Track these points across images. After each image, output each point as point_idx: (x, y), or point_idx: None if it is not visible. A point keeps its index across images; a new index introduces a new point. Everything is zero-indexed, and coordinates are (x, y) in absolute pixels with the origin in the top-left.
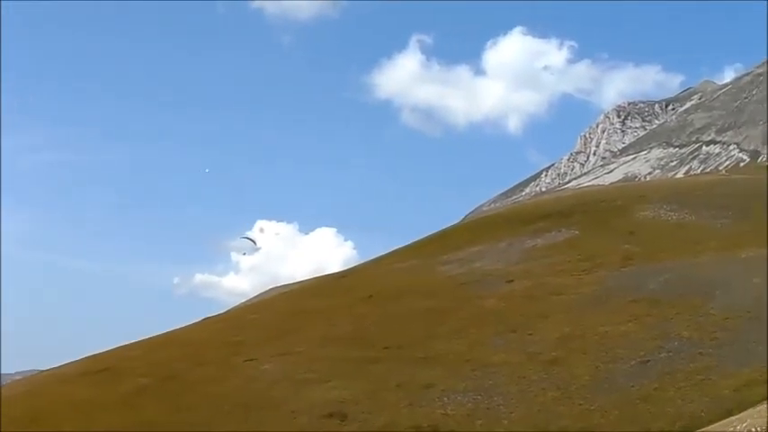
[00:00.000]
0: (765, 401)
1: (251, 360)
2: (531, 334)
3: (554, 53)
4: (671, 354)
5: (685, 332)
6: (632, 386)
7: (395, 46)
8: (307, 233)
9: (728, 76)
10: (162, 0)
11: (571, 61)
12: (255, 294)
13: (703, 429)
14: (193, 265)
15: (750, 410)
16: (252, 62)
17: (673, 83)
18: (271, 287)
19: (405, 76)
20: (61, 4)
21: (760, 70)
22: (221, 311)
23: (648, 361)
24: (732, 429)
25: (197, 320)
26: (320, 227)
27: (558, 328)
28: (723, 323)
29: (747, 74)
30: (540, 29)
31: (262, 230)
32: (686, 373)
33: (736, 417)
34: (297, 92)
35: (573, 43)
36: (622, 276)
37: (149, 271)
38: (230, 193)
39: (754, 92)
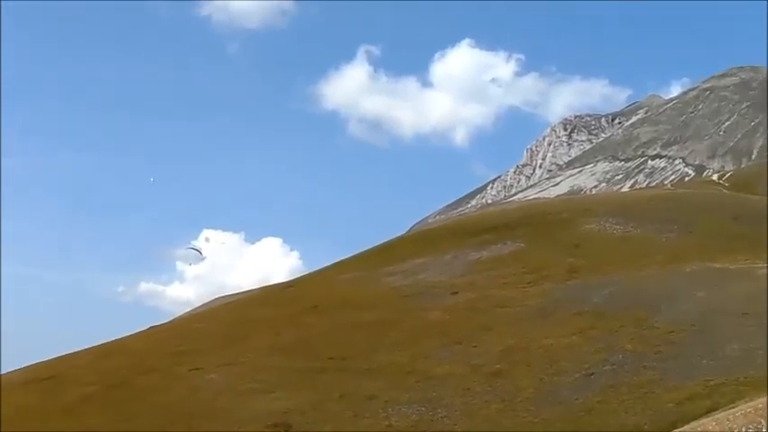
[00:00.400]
0: (713, 414)
1: (196, 369)
2: (475, 346)
3: (502, 66)
4: (615, 367)
5: (629, 345)
6: (576, 399)
7: (343, 56)
8: (253, 243)
9: (675, 90)
10: (106, 1)
11: (519, 74)
12: (201, 304)
13: None
14: (138, 274)
15: (693, 423)
16: (198, 70)
17: (620, 97)
18: (216, 297)
19: (352, 87)
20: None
21: (706, 85)
22: (166, 320)
23: (593, 374)
24: None
25: (142, 329)
26: (266, 237)
27: (502, 341)
28: (667, 337)
29: (693, 89)
30: (488, 41)
31: (207, 240)
32: (630, 386)
33: (680, 430)
34: (243, 101)
35: (521, 56)
36: (567, 289)
37: (93, 279)
38: (175, 201)
39: (699, 107)
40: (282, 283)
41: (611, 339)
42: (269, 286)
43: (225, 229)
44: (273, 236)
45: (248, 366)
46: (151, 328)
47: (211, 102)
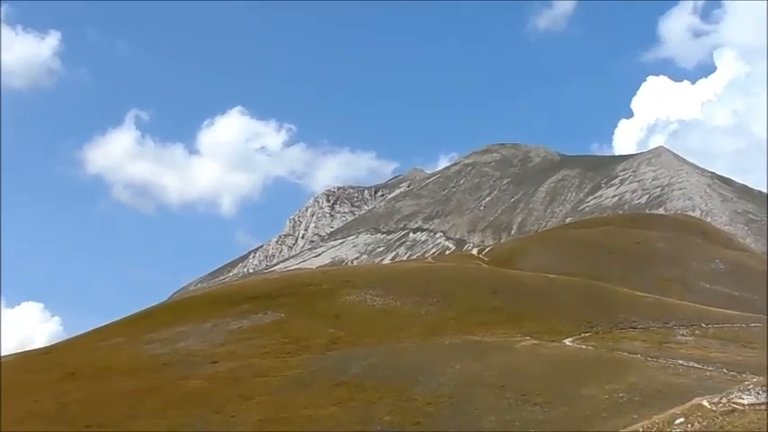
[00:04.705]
0: None
1: None
2: (233, 416)
3: (272, 135)
4: None
5: (388, 417)
6: None
7: (110, 120)
8: (12, 307)
9: (443, 165)
10: None
11: (287, 144)
12: None
13: None
14: None
15: None
16: None
17: (386, 170)
18: None
19: (118, 152)
20: None
21: (468, 161)
22: None
23: None
24: None
25: None
26: (26, 301)
27: (261, 411)
28: (425, 409)
29: (456, 163)
30: (259, 110)
31: None
32: None
33: None
34: (2, 162)
35: (292, 126)
36: (327, 359)
37: None
38: None
39: (461, 182)
40: (41, 348)
41: (369, 410)
42: (27, 352)
43: None
44: (34, 301)
45: None
46: None
47: None
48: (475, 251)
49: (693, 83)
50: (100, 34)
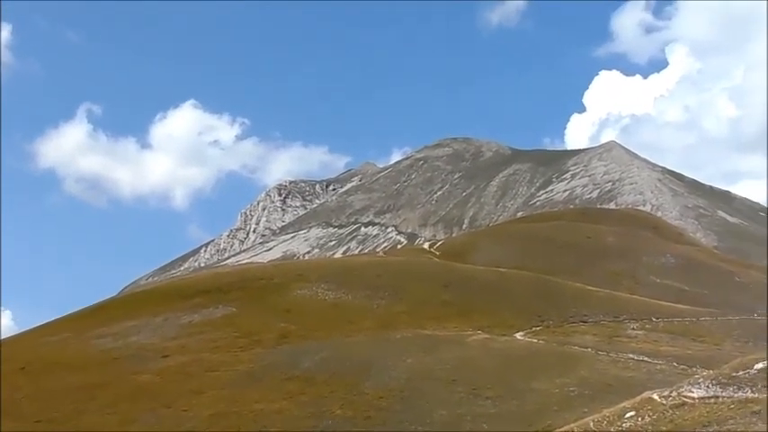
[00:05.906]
0: None
1: None
2: (185, 410)
3: (225, 129)
4: None
5: (339, 411)
6: None
7: (62, 114)
8: None
9: (396, 159)
10: None
11: (240, 138)
12: None
13: None
14: None
15: None
16: None
17: (338, 164)
18: None
19: (70, 146)
20: None
21: (420, 155)
22: None
23: None
24: None
25: None
26: None
27: (212, 405)
28: (377, 403)
29: (407, 158)
30: (212, 104)
31: None
32: None
33: None
34: None
35: (245, 120)
36: (278, 354)
37: None
38: None
39: (413, 176)
40: None
41: (321, 404)
42: None
43: None
44: None
45: None
46: None
47: None
48: (426, 245)
49: (645, 78)
50: (51, 27)
